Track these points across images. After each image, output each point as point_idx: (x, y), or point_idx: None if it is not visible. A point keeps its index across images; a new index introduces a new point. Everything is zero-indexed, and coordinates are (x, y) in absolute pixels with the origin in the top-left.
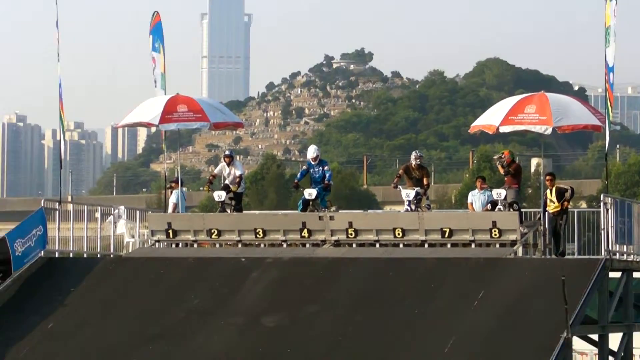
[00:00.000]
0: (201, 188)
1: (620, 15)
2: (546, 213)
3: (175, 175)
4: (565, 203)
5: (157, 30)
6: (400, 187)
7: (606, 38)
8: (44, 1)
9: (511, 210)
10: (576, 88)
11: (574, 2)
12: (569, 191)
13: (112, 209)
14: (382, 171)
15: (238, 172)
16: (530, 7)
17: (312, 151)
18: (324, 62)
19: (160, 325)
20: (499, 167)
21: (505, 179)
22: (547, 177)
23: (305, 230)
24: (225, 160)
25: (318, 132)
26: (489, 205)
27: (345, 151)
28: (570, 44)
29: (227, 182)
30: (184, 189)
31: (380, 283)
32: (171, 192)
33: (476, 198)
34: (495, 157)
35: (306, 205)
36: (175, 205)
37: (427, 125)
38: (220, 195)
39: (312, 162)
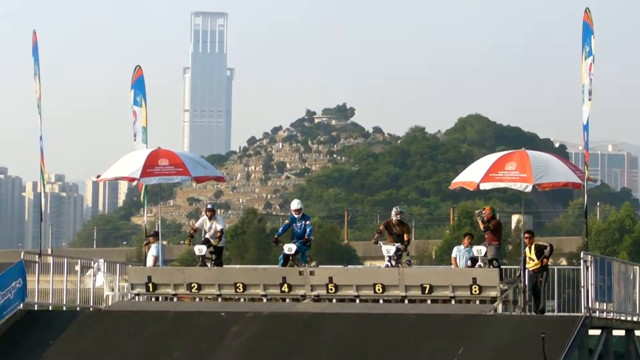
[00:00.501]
0: (182, 242)
1: (599, 73)
2: (526, 270)
3: (155, 229)
4: (545, 260)
5: (139, 84)
6: (380, 242)
7: (582, 96)
8: (22, 50)
9: (491, 267)
10: (557, 145)
11: (554, 60)
12: (548, 248)
13: (92, 261)
14: (363, 226)
15: (219, 227)
16: (511, 64)
17: (295, 204)
18: (306, 117)
19: None
20: (479, 222)
21: (486, 235)
22: (526, 235)
23: (286, 285)
24: (207, 214)
25: (299, 186)
26: (470, 261)
27: (326, 206)
28: (551, 102)
29: (207, 236)
30: (164, 242)
31: (360, 338)
32: (148, 247)
33: (461, 254)
34: (476, 212)
35: (286, 260)
36: (156, 259)
37: (408, 181)
38: (201, 250)
39: (295, 215)
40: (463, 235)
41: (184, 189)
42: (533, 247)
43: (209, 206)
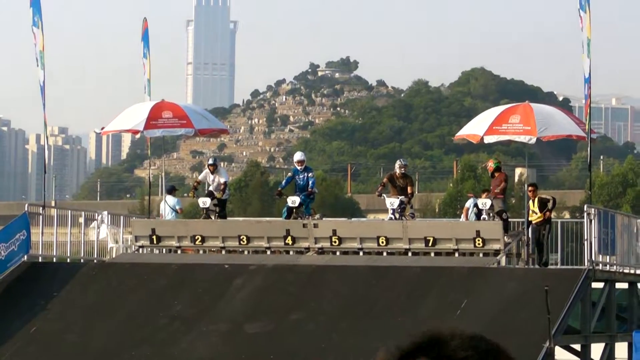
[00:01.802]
0: (185, 194)
1: (602, 27)
2: (529, 223)
3: (166, 182)
4: (547, 213)
5: (145, 37)
6: (384, 195)
7: (583, 49)
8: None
9: (497, 219)
10: (561, 99)
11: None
12: (551, 201)
13: (96, 214)
14: (366, 179)
15: (222, 180)
16: (515, 18)
17: (298, 155)
18: (309, 70)
19: (143, 331)
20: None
21: (490, 188)
22: (530, 188)
23: (289, 238)
24: (209, 169)
25: (303, 139)
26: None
27: (329, 159)
28: (554, 55)
29: (211, 188)
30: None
31: (363, 291)
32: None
33: (473, 207)
34: (482, 165)
35: (290, 212)
36: (175, 212)
37: (411, 134)
38: (204, 202)
39: (298, 167)
40: (482, 191)
41: (187, 142)
42: (537, 200)
43: (210, 161)
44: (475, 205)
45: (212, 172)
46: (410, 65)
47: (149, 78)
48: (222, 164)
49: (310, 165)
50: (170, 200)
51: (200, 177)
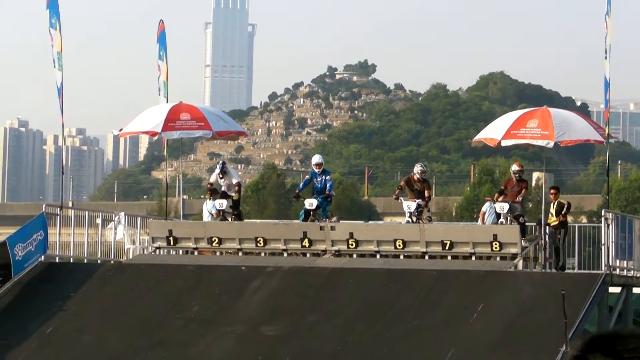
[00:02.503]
0: (202, 196)
1: (622, 31)
2: (547, 227)
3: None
4: (561, 217)
5: (161, 39)
6: (401, 198)
7: (606, 54)
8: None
9: (515, 223)
10: (579, 104)
11: (577, 18)
12: (566, 205)
13: (113, 215)
14: (383, 183)
15: (234, 180)
16: (534, 22)
17: (317, 158)
18: (327, 73)
19: (160, 333)
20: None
21: (508, 192)
22: (552, 191)
23: (306, 240)
24: (218, 176)
25: (320, 142)
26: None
27: (346, 162)
28: (573, 60)
29: (224, 189)
30: (184, 197)
31: (380, 294)
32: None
33: (491, 211)
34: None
35: (307, 215)
36: (214, 215)
37: (429, 138)
38: (220, 204)
39: (316, 170)
40: (497, 193)
41: (205, 144)
42: (556, 203)
43: (218, 170)
44: (493, 208)
45: (222, 178)
46: (428, 69)
47: (165, 80)
48: (238, 166)
49: (328, 168)
50: (209, 205)
51: (212, 179)
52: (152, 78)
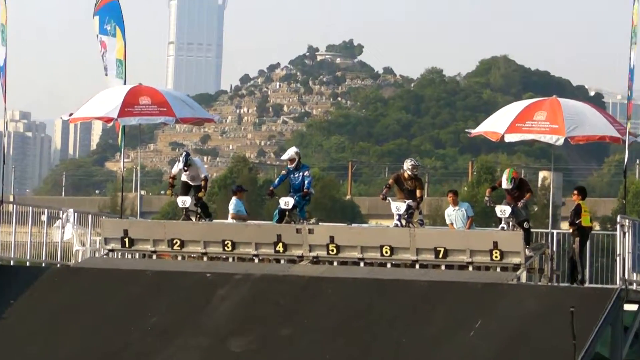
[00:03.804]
0: (162, 192)
1: None
2: (555, 234)
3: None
4: (575, 223)
5: (110, 11)
6: (389, 198)
7: (631, 39)
8: None
9: (518, 229)
10: (592, 93)
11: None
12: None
13: (60, 211)
14: (368, 180)
15: (202, 174)
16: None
17: (289, 152)
18: (307, 53)
19: (112, 346)
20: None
21: (507, 196)
22: (574, 192)
23: (281, 244)
24: (184, 170)
25: (298, 132)
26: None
27: (327, 156)
28: (587, 44)
29: (184, 179)
30: (142, 192)
31: (364, 307)
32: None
33: (453, 217)
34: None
35: (282, 215)
36: (234, 215)
37: (421, 130)
38: (184, 201)
39: (290, 166)
40: (447, 194)
41: (167, 132)
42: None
43: (181, 163)
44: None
45: (186, 171)
46: (421, 51)
47: (121, 59)
48: (204, 158)
49: (306, 162)
50: (232, 204)
51: (174, 171)
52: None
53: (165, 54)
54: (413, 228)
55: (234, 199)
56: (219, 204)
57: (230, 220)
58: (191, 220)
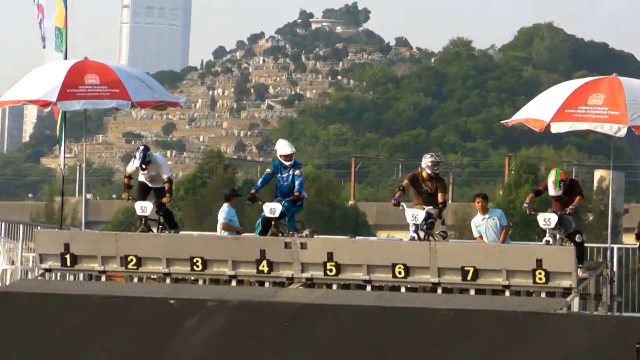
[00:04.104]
0: (113, 195)
1: None
2: (616, 249)
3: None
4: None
5: None
6: (403, 204)
7: None
8: None
9: (568, 243)
10: None
11: None
12: None
13: None
14: (377, 181)
15: (165, 174)
16: None
17: (285, 145)
18: (299, 20)
19: None
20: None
21: (553, 202)
22: None
23: (265, 263)
24: (140, 168)
25: (287, 120)
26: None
27: (324, 150)
28: None
29: (141, 178)
30: (88, 196)
31: (370, 341)
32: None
33: (483, 228)
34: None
35: (267, 226)
36: (225, 225)
37: (444, 118)
38: (144, 208)
39: (286, 163)
40: (474, 199)
41: (120, 120)
42: None
43: (138, 160)
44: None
45: (145, 169)
46: (444, 18)
47: (59, 26)
48: (167, 153)
49: (298, 159)
50: (223, 211)
51: (129, 169)
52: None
53: (118, 21)
54: (434, 242)
55: (225, 206)
56: (186, 211)
57: (220, 231)
58: (152, 231)
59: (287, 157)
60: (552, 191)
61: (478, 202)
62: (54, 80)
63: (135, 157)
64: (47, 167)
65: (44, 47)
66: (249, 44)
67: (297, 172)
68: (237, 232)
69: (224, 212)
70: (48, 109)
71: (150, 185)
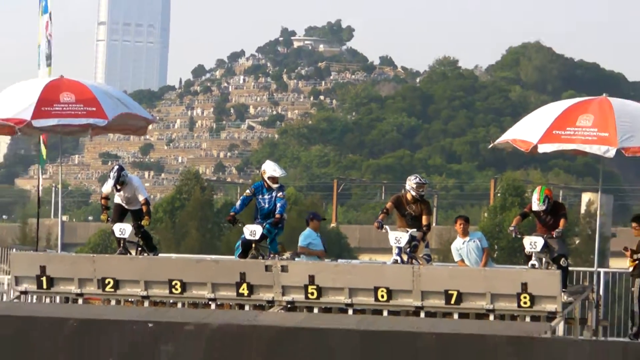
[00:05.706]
0: (90, 217)
1: None
2: (603, 274)
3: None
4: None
5: None
6: (387, 227)
7: None
8: None
9: (554, 267)
10: None
11: None
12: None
13: None
14: (360, 203)
15: (141, 196)
16: None
17: (276, 169)
18: (281, 38)
19: None
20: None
21: (538, 224)
22: (634, 225)
23: (245, 286)
24: (115, 189)
25: (268, 141)
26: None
27: (306, 171)
28: None
29: (118, 201)
30: (64, 217)
31: None
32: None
33: (465, 251)
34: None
35: (247, 249)
36: (306, 251)
37: (429, 139)
38: (122, 230)
39: (273, 186)
40: (454, 220)
41: (96, 140)
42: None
43: (111, 180)
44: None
45: (119, 190)
46: (430, 37)
47: (48, 42)
48: (145, 174)
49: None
50: (303, 235)
51: (104, 190)
52: (28, 45)
53: (93, 38)
54: (417, 265)
55: (308, 230)
56: (164, 233)
57: (300, 257)
58: (130, 254)
59: (276, 180)
60: (535, 206)
61: (460, 224)
62: (29, 98)
63: (109, 177)
64: (21, 188)
65: (49, 65)
66: (229, 63)
67: (280, 194)
68: (318, 256)
69: (303, 235)
70: (21, 127)
71: (126, 207)
